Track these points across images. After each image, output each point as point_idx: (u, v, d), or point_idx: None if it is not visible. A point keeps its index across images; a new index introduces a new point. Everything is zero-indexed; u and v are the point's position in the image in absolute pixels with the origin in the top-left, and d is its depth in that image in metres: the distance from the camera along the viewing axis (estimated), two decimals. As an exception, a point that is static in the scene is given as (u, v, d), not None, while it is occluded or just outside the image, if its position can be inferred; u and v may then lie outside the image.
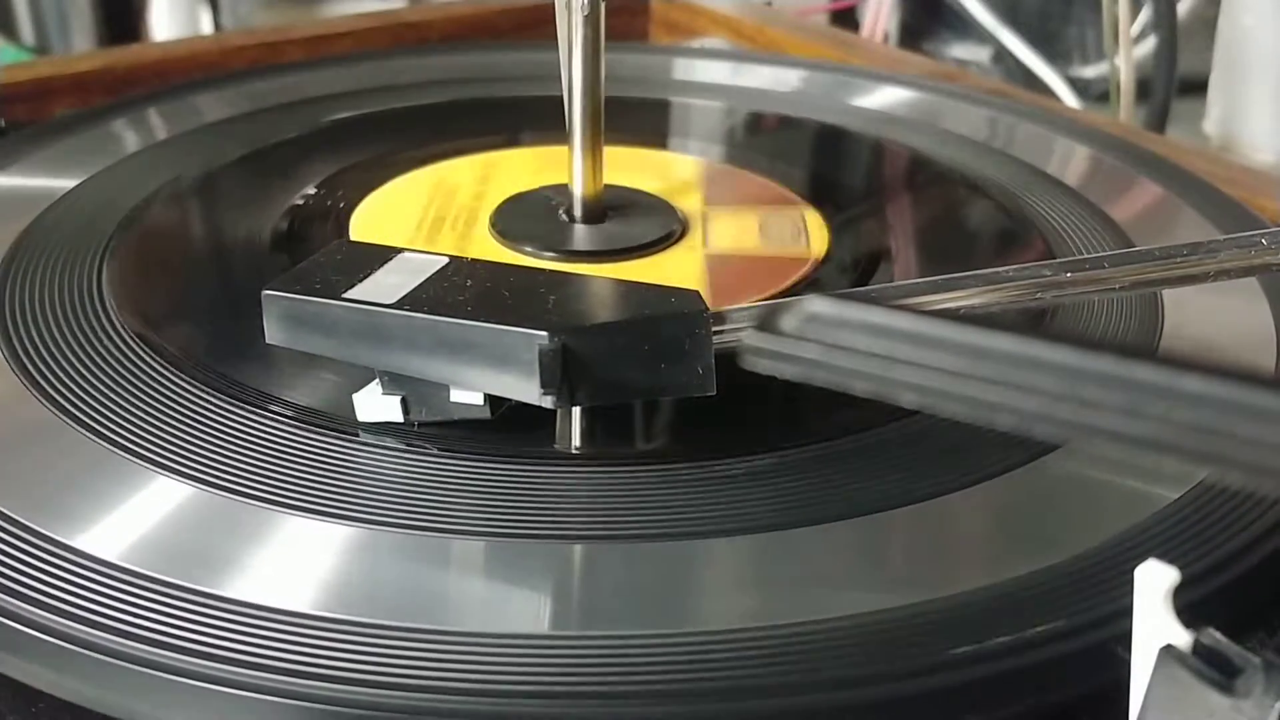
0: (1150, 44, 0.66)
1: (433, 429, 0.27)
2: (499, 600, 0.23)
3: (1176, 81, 0.63)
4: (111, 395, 0.28)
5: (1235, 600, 0.24)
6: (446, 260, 0.28)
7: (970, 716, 0.22)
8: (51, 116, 0.46)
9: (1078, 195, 0.41)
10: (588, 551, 0.24)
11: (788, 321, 0.18)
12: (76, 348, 0.30)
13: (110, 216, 0.37)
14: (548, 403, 0.25)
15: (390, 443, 0.27)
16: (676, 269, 0.35)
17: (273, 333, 0.27)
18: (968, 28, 0.76)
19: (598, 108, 0.35)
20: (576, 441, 0.28)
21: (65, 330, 0.31)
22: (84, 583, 0.23)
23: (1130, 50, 0.63)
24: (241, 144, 0.43)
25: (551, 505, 0.25)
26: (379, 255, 0.28)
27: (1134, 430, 0.16)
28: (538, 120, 0.44)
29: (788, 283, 0.35)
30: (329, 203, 0.39)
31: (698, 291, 0.26)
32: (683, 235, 0.37)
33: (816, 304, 0.18)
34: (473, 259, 0.28)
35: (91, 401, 0.28)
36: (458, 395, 0.26)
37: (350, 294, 0.26)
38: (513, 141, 0.44)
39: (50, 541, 0.24)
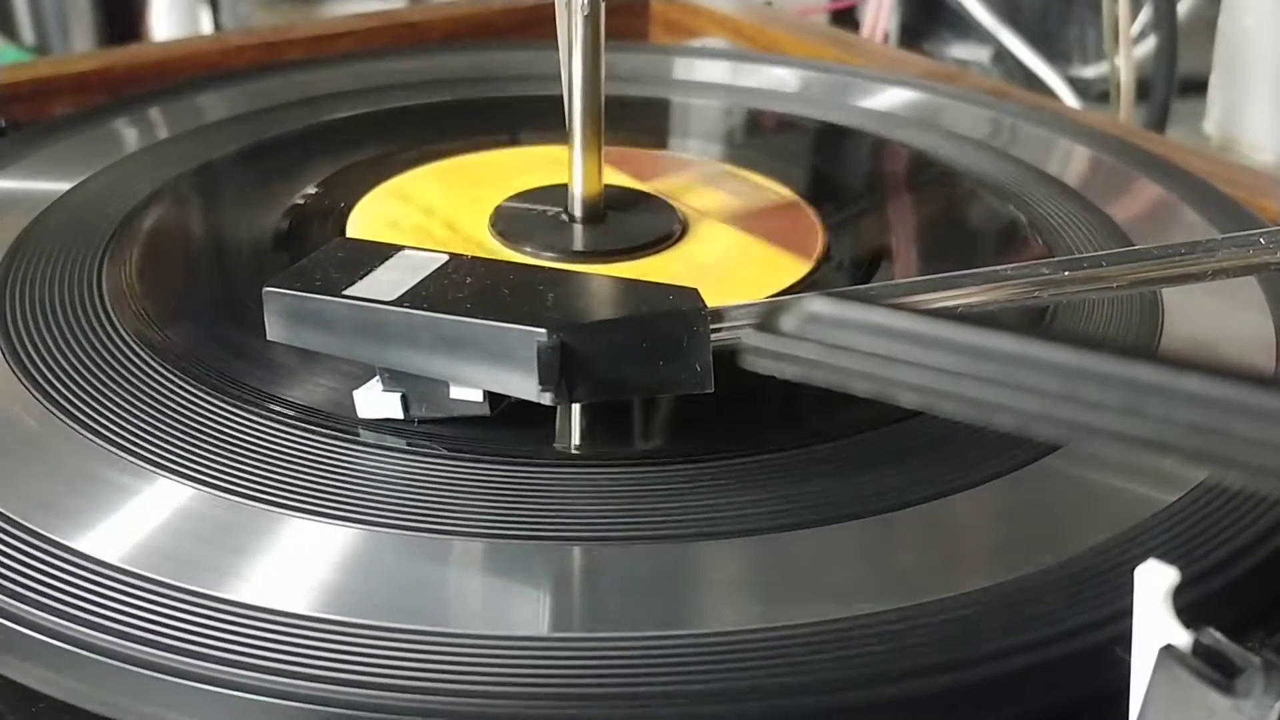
0: (1150, 44, 0.66)
1: (433, 427, 0.27)
2: (499, 602, 0.23)
3: (1176, 81, 0.63)
4: (111, 395, 0.28)
5: (1235, 600, 0.24)
6: (446, 258, 0.28)
7: (971, 717, 0.22)
8: (51, 116, 0.46)
9: (1078, 195, 0.41)
10: (587, 552, 0.24)
11: (787, 321, 0.18)
12: (76, 348, 0.30)
13: (110, 216, 0.37)
14: (546, 399, 0.25)
15: (390, 443, 0.27)
16: (676, 269, 0.35)
17: (273, 329, 0.27)
18: (968, 28, 0.76)
19: (598, 108, 0.35)
20: (576, 442, 0.28)
21: (65, 330, 0.31)
22: (82, 583, 0.23)
23: (1130, 50, 0.63)
24: (241, 143, 0.43)
25: (551, 506, 0.25)
26: (379, 253, 0.28)
27: (1134, 430, 0.16)
28: (538, 120, 0.44)
29: (787, 282, 0.35)
30: (329, 202, 0.39)
31: (696, 290, 0.26)
32: (683, 235, 0.37)
33: (816, 303, 0.18)
34: (472, 257, 0.28)
35: (91, 401, 0.28)
36: (457, 392, 0.26)
37: (350, 291, 0.26)
38: (513, 141, 0.44)
39: (48, 542, 0.24)
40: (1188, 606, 0.18)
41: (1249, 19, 0.63)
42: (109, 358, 0.29)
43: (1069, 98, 0.70)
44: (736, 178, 0.42)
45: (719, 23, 0.60)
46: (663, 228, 0.37)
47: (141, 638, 0.21)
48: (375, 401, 0.27)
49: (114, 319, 0.31)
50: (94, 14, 0.76)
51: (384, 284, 0.27)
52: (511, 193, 0.39)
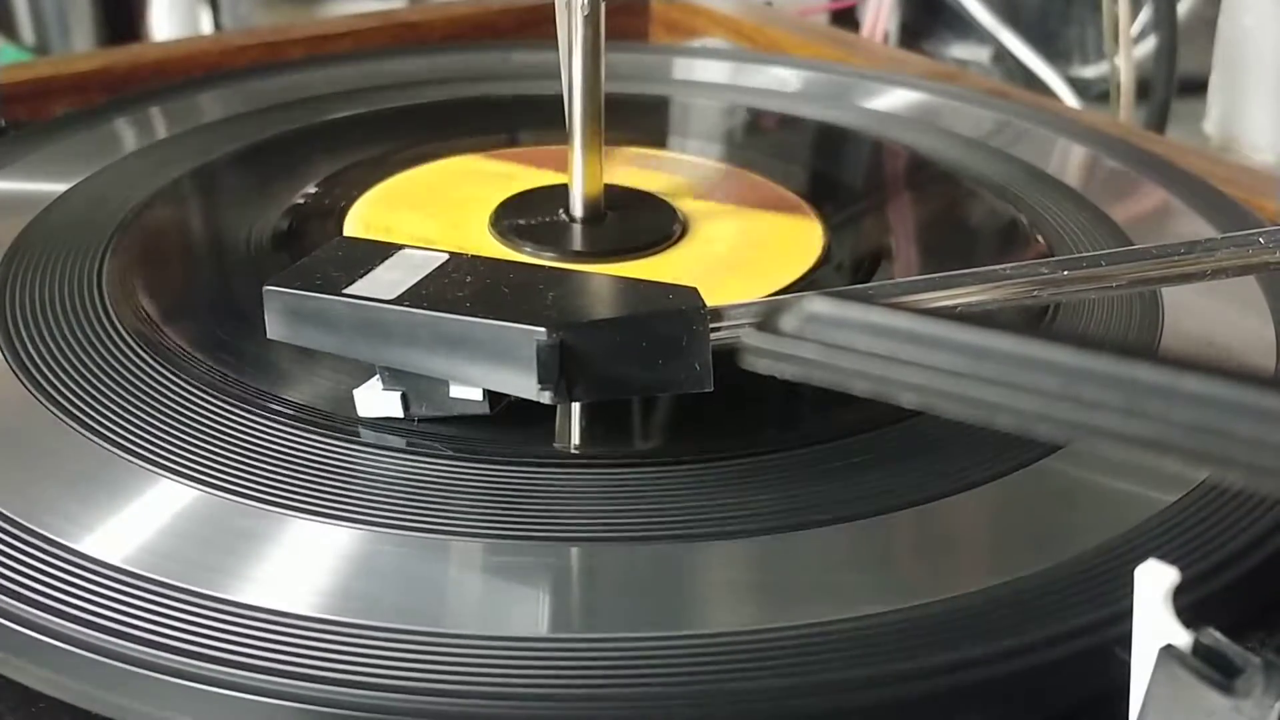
0: (1150, 44, 0.66)
1: (432, 427, 0.27)
2: (498, 602, 0.23)
3: (1176, 81, 0.63)
4: (111, 395, 0.28)
5: (1235, 600, 0.24)
6: (446, 257, 0.28)
7: (971, 718, 0.22)
8: (51, 116, 0.46)
9: (1077, 195, 0.41)
10: (587, 553, 0.24)
11: (787, 321, 0.18)
12: (76, 348, 0.30)
13: (110, 216, 0.37)
14: (545, 398, 0.25)
15: (389, 442, 0.27)
16: (676, 269, 0.35)
17: (274, 328, 0.27)
18: (968, 28, 0.76)
19: (598, 107, 0.35)
20: (576, 441, 0.28)
21: (65, 330, 0.31)
22: (83, 584, 0.23)
23: (1130, 50, 0.63)
24: (241, 143, 0.43)
25: (551, 506, 0.25)
26: (379, 252, 0.28)
27: (1134, 430, 0.16)
28: (538, 120, 0.44)
29: (787, 282, 0.35)
30: (329, 202, 0.39)
31: (696, 289, 0.26)
32: (683, 235, 0.37)
33: (816, 303, 0.18)
34: (472, 256, 0.28)
35: (91, 401, 0.28)
36: (457, 391, 0.26)
37: (351, 290, 0.26)
38: (513, 141, 0.44)
39: (48, 542, 0.24)
40: (1188, 606, 0.18)
41: (1249, 19, 0.63)
42: (109, 358, 0.29)
43: (1069, 98, 0.70)
44: (736, 178, 0.42)
45: (719, 23, 0.60)
46: (663, 228, 0.37)
47: (140, 638, 0.21)
48: (375, 400, 0.27)
49: (114, 319, 0.31)
50: (94, 14, 0.76)
51: (384, 283, 0.27)
52: (511, 193, 0.39)
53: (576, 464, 0.27)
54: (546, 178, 0.39)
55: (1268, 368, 0.31)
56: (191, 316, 0.33)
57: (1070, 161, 0.44)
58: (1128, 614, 0.18)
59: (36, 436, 0.27)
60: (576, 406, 0.28)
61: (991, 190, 0.41)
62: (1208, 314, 0.33)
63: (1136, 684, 0.18)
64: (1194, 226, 0.38)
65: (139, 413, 0.27)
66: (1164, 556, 0.18)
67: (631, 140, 0.43)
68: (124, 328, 0.31)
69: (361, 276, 0.27)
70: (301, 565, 0.23)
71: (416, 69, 0.51)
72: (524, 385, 0.25)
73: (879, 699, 0.21)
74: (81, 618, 0.22)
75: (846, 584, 0.24)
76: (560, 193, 0.37)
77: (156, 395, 0.28)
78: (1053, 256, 0.35)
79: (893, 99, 0.49)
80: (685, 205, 0.39)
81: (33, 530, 0.24)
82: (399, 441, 0.27)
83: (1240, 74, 0.64)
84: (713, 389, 0.25)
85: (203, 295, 0.35)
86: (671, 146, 0.46)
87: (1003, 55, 0.75)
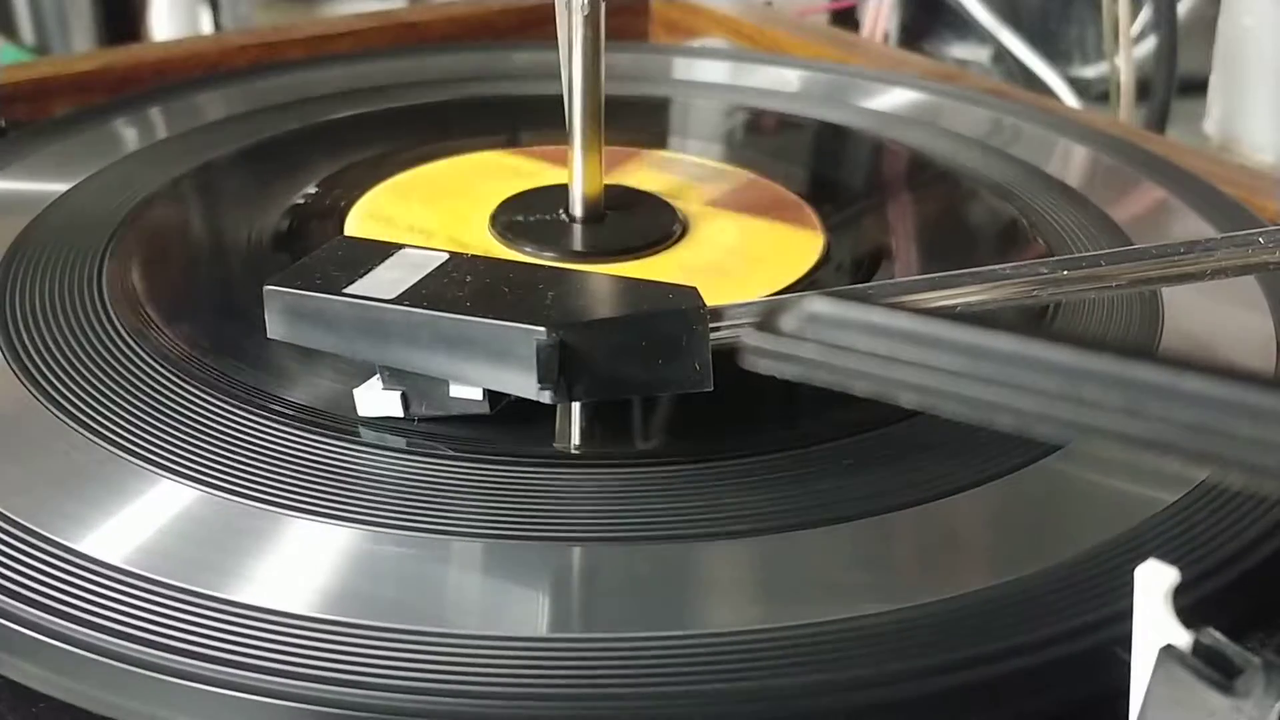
0: (1150, 44, 0.66)
1: (433, 426, 0.27)
2: (497, 602, 0.23)
3: (1176, 81, 0.63)
4: (111, 395, 0.28)
5: (1235, 600, 0.24)
6: (446, 256, 0.28)
7: (971, 718, 0.22)
8: (51, 116, 0.46)
9: (1078, 195, 0.41)
10: (588, 553, 0.24)
11: (787, 321, 0.18)
12: (76, 348, 0.30)
13: (110, 216, 0.37)
14: (545, 398, 0.25)
15: (389, 442, 0.27)
16: (676, 269, 0.35)
17: (274, 327, 0.27)
18: (968, 28, 0.76)
19: (598, 107, 0.35)
20: (576, 441, 0.28)
21: (65, 330, 0.31)
22: (83, 584, 0.23)
23: (1130, 50, 0.63)
24: (241, 143, 0.43)
25: (551, 506, 0.25)
26: (379, 251, 0.28)
27: (1134, 430, 0.16)
28: (538, 120, 0.44)
29: (787, 282, 0.35)
30: (329, 202, 0.39)
31: (695, 288, 0.26)
32: (683, 235, 0.37)
33: (816, 303, 0.18)
34: (472, 255, 0.28)
35: (91, 402, 0.28)
36: (457, 390, 0.26)
37: (351, 289, 0.26)
38: (513, 141, 0.44)
39: (48, 542, 0.24)
40: (1188, 606, 0.18)
41: (1249, 19, 0.63)
42: (109, 358, 0.29)
43: (1069, 98, 0.70)
44: (736, 178, 0.42)
45: (719, 23, 0.60)
46: (663, 228, 0.37)
47: (141, 638, 0.21)
48: (375, 400, 0.27)
49: (114, 319, 0.31)
50: (94, 14, 0.76)
51: (384, 282, 0.27)
52: (511, 193, 0.39)
53: (576, 464, 0.27)
54: (549, 177, 0.39)
55: (1268, 368, 0.31)
56: (191, 316, 0.33)
57: (1070, 161, 0.44)
58: (1127, 614, 0.18)
59: (36, 436, 0.27)
60: (576, 405, 0.28)
61: (991, 190, 0.41)
62: (1208, 314, 0.33)
63: (1136, 684, 0.18)
64: (1194, 226, 0.38)
65: (138, 413, 0.27)
66: (1164, 556, 0.18)
67: (631, 140, 0.43)
68: (124, 328, 0.31)
69: (361, 276, 0.27)
70: (300, 565, 0.23)
71: (416, 69, 0.51)
72: (524, 385, 0.25)
73: (879, 699, 0.21)
74: (81, 617, 0.22)
75: (846, 584, 0.24)
76: (560, 193, 0.37)
77: (156, 395, 0.28)
78: (1052, 256, 0.35)
79: (893, 99, 0.49)
80: (685, 205, 0.39)
81: (31, 529, 0.24)
82: (399, 441, 0.27)
83: (1240, 74, 0.64)
84: (712, 389, 0.25)
85: (203, 295, 0.35)
86: (671, 146, 0.46)
87: (1003, 55, 0.75)
